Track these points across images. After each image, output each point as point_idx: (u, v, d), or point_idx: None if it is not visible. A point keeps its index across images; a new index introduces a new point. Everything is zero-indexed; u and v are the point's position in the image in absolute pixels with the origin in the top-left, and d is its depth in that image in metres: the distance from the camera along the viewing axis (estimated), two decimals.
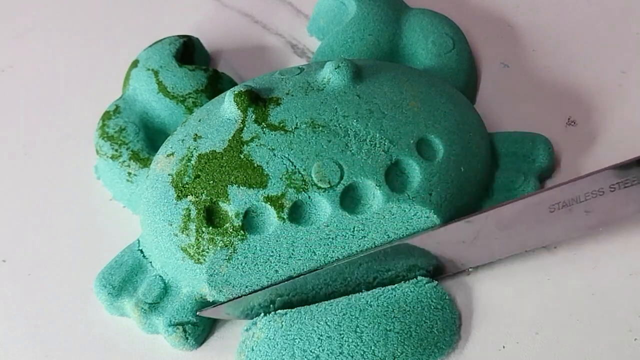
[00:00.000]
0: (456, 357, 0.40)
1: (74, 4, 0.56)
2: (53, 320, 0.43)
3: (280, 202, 0.39)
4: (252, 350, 0.40)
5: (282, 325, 0.40)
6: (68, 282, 0.44)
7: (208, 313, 0.40)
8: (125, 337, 0.42)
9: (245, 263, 0.39)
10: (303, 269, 0.40)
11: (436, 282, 0.41)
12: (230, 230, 0.39)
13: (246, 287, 0.40)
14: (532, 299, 0.41)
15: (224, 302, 0.40)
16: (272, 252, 0.39)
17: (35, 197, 0.47)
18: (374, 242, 0.40)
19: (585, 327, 0.40)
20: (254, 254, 0.39)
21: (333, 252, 0.40)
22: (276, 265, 0.39)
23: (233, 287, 0.40)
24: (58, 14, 0.56)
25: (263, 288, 0.39)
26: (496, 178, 0.43)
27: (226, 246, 0.39)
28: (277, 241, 0.39)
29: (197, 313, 0.40)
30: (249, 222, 0.39)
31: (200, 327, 0.41)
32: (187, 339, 0.40)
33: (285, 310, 0.40)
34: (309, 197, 0.39)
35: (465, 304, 0.41)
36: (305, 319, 0.40)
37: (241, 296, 0.40)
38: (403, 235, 0.40)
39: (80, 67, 0.52)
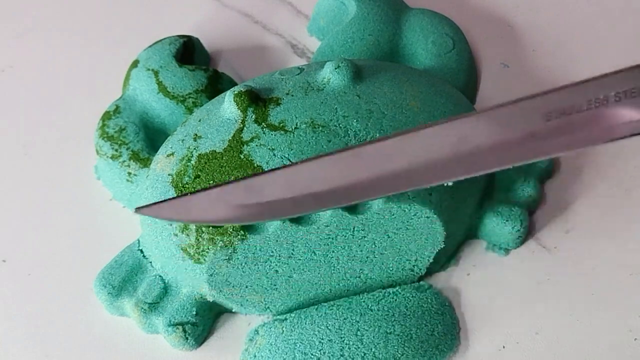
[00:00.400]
0: (456, 357, 0.40)
1: (74, 4, 0.56)
2: (53, 320, 0.43)
3: None
4: (255, 356, 0.40)
5: (283, 331, 0.40)
6: (68, 282, 0.44)
7: (146, 211, 0.38)
8: (125, 337, 0.42)
9: (245, 263, 0.39)
10: (303, 269, 0.40)
11: (437, 289, 0.41)
12: (230, 230, 0.39)
13: (246, 287, 0.40)
14: (532, 299, 0.41)
15: (164, 200, 0.37)
16: (272, 252, 0.39)
17: (35, 197, 0.47)
18: (374, 242, 0.40)
19: (585, 327, 0.40)
20: (253, 254, 0.39)
21: (333, 251, 0.40)
22: (276, 265, 0.39)
23: (233, 287, 0.40)
24: (58, 14, 0.56)
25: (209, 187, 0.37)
26: (496, 178, 0.43)
27: (226, 246, 0.39)
28: (277, 241, 0.39)
29: (135, 210, 0.38)
30: None
31: (200, 327, 0.41)
32: (186, 338, 0.40)
33: (284, 315, 0.40)
34: None
35: (465, 304, 0.41)
36: (305, 323, 0.40)
37: (186, 194, 0.37)
38: (403, 234, 0.40)
39: (80, 67, 0.52)
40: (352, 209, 0.39)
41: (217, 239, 0.39)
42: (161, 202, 0.37)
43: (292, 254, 0.39)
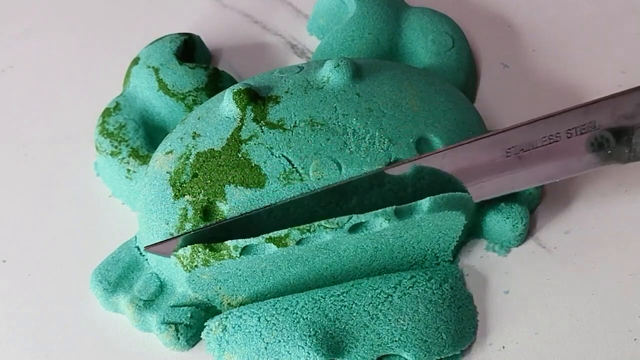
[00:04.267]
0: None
1: (74, 4, 0.56)
2: (53, 320, 0.43)
3: None
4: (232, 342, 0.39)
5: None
6: (68, 281, 0.44)
7: (156, 249, 0.39)
8: (126, 337, 0.42)
9: (236, 274, 0.39)
10: (302, 271, 0.40)
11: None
12: (226, 253, 0.38)
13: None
14: (532, 299, 0.41)
15: (175, 237, 0.38)
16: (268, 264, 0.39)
17: (35, 197, 0.47)
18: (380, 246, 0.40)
19: (585, 327, 0.40)
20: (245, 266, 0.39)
21: (333, 265, 0.40)
22: (269, 275, 0.39)
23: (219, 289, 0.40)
24: (58, 14, 0.56)
25: (218, 223, 0.38)
26: None
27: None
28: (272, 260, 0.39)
29: (144, 248, 0.39)
30: None
31: (194, 329, 0.41)
32: (178, 338, 0.40)
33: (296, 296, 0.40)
34: None
35: None
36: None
37: (193, 231, 0.38)
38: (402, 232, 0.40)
39: (80, 67, 0.53)
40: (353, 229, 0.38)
41: (212, 262, 0.38)
42: (172, 238, 0.38)
43: (289, 269, 0.39)
